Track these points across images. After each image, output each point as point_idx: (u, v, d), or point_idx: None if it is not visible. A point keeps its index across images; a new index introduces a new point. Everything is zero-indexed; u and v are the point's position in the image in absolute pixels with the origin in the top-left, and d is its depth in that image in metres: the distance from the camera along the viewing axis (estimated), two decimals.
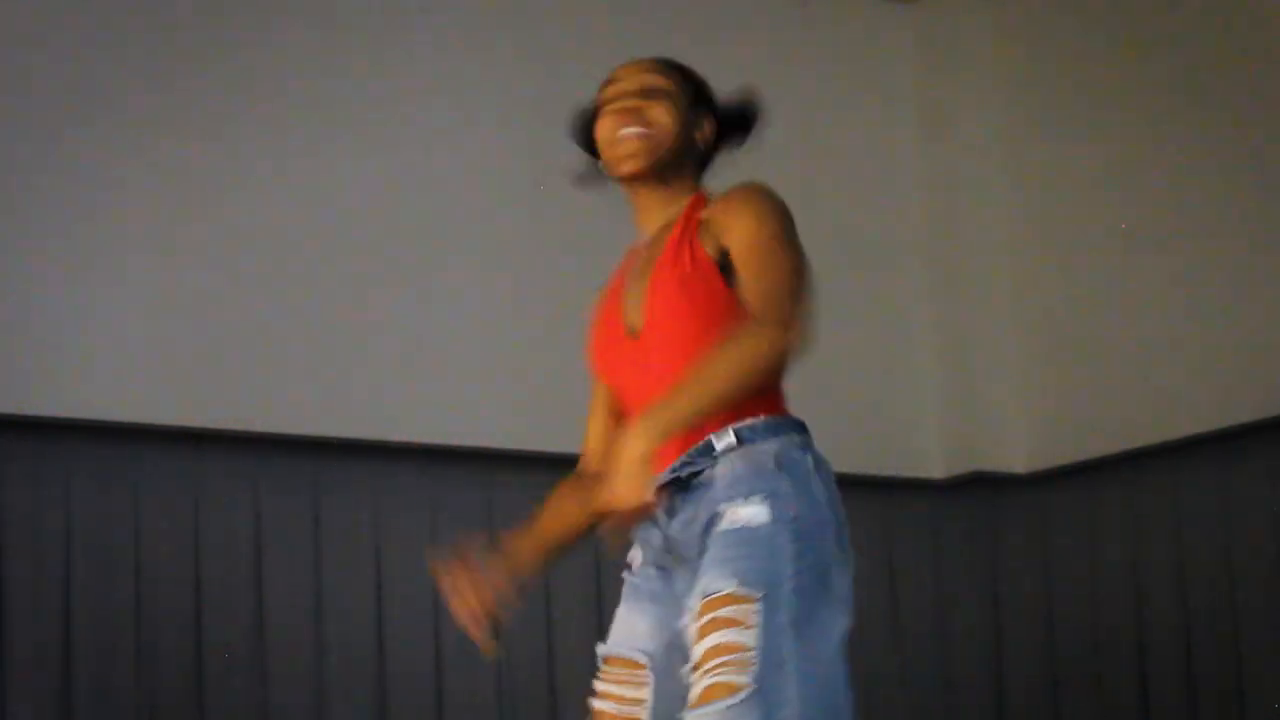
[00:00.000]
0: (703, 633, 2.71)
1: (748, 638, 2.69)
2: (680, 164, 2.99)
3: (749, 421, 2.82)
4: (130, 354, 5.63)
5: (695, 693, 2.70)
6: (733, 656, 2.68)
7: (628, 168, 2.96)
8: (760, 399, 2.84)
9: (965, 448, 6.90)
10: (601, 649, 2.96)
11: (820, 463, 2.87)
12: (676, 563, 2.86)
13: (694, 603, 2.75)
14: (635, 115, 2.96)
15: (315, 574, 5.85)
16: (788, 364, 2.81)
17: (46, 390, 5.52)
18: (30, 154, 5.57)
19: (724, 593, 2.71)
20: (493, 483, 6.06)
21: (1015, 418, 6.87)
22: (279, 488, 5.84)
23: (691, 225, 2.92)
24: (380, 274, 6.00)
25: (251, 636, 5.73)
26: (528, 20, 6.36)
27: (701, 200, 2.97)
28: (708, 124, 3.01)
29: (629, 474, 2.66)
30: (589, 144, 3.05)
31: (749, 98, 3.06)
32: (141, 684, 5.55)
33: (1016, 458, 6.86)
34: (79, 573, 5.53)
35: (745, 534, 2.76)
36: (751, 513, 2.77)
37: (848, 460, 6.68)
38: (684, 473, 2.82)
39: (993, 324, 6.93)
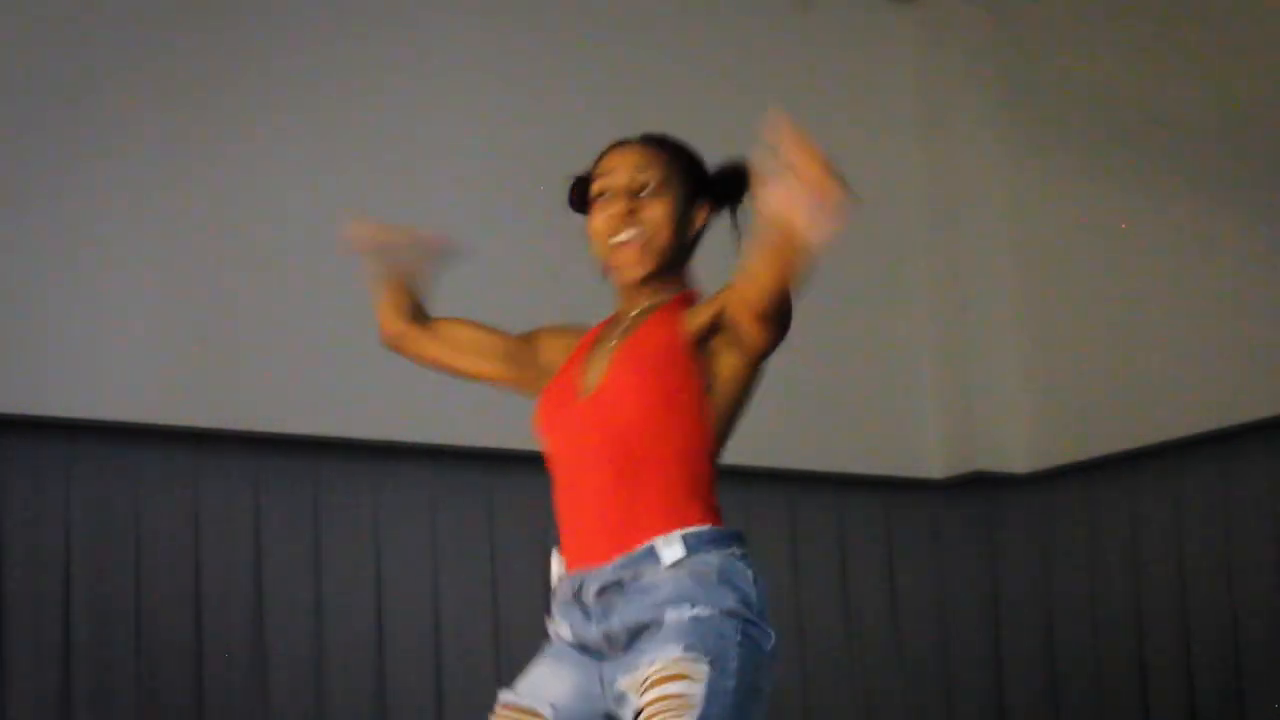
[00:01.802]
0: (650, 687, 2.74)
1: (693, 690, 2.72)
2: (677, 262, 2.99)
3: (694, 530, 2.83)
4: (131, 354, 5.62)
5: None
6: (675, 702, 2.72)
7: (630, 276, 2.97)
8: (703, 508, 2.86)
9: (965, 448, 6.90)
10: (506, 695, 2.94)
11: (757, 575, 2.86)
12: (608, 651, 2.86)
13: (641, 672, 2.77)
14: (629, 219, 2.96)
15: (315, 574, 5.85)
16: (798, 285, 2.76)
17: (46, 390, 5.52)
18: (30, 153, 5.57)
19: (674, 657, 2.74)
20: (493, 483, 6.06)
21: (1015, 418, 6.87)
22: (279, 488, 5.84)
23: (673, 314, 2.93)
24: None
25: (251, 636, 5.73)
26: (528, 25, 6.36)
27: (690, 299, 2.98)
28: (701, 214, 3.00)
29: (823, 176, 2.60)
30: (584, 209, 3.05)
31: (737, 167, 3.02)
32: (141, 684, 5.55)
33: (1016, 458, 6.86)
34: (79, 573, 5.53)
35: (693, 622, 2.77)
36: (700, 610, 2.78)
37: (848, 460, 6.78)
38: (625, 575, 2.82)
39: (993, 324, 6.93)
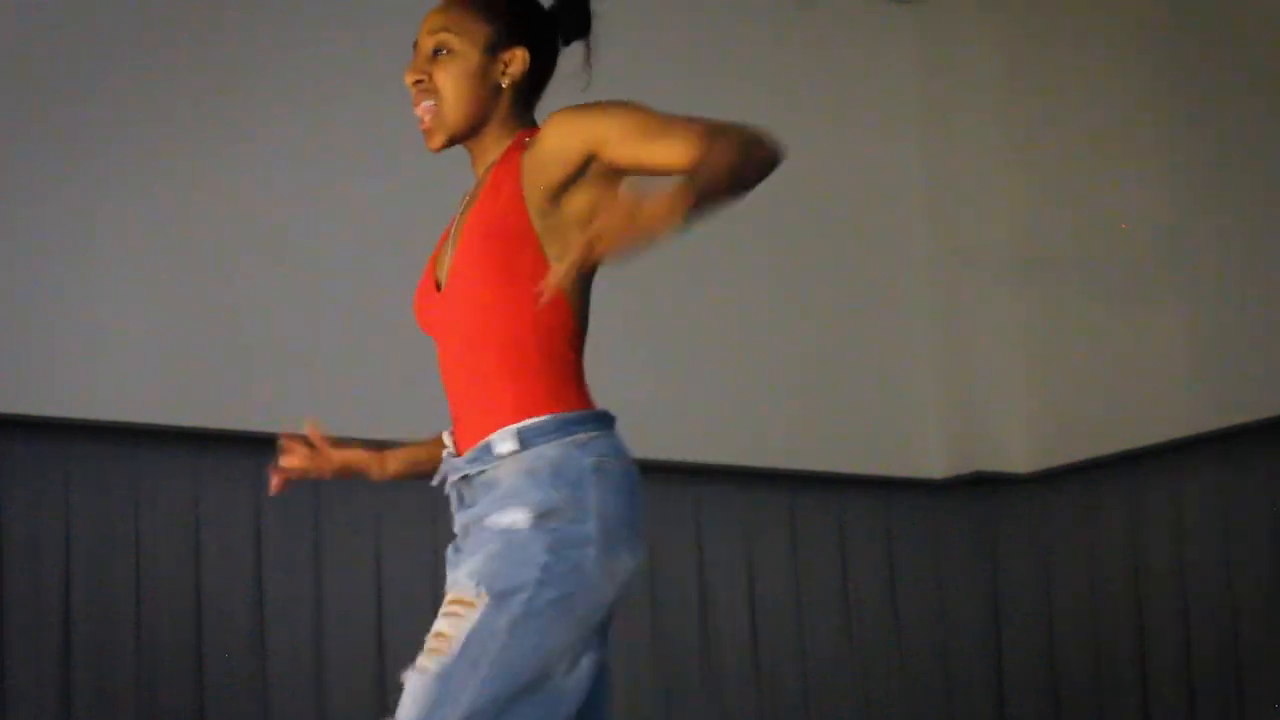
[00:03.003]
0: (438, 619, 2.70)
1: (457, 628, 2.64)
2: (487, 116, 2.87)
3: (532, 422, 2.70)
4: (130, 354, 5.62)
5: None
6: (437, 642, 2.66)
7: (430, 145, 2.89)
8: (550, 395, 2.72)
9: (965, 448, 6.90)
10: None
11: (604, 465, 2.70)
12: (464, 543, 2.80)
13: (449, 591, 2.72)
14: (425, 89, 2.86)
15: (315, 575, 5.85)
16: (769, 168, 2.64)
17: (46, 390, 5.52)
18: (30, 153, 5.57)
19: (462, 590, 2.67)
20: None
21: (1015, 418, 6.87)
22: None
23: (508, 172, 2.79)
24: (380, 274, 6.00)
25: (251, 637, 5.73)
26: None
27: (521, 141, 2.83)
28: (514, 60, 2.88)
29: (667, 214, 2.43)
30: None
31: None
32: (141, 684, 5.55)
33: (1016, 458, 6.86)
34: (79, 573, 5.53)
35: (501, 536, 2.67)
36: (515, 519, 2.66)
37: (848, 460, 6.78)
38: (473, 470, 2.74)
39: (992, 324, 6.93)
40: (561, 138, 2.75)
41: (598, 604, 2.67)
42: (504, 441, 2.71)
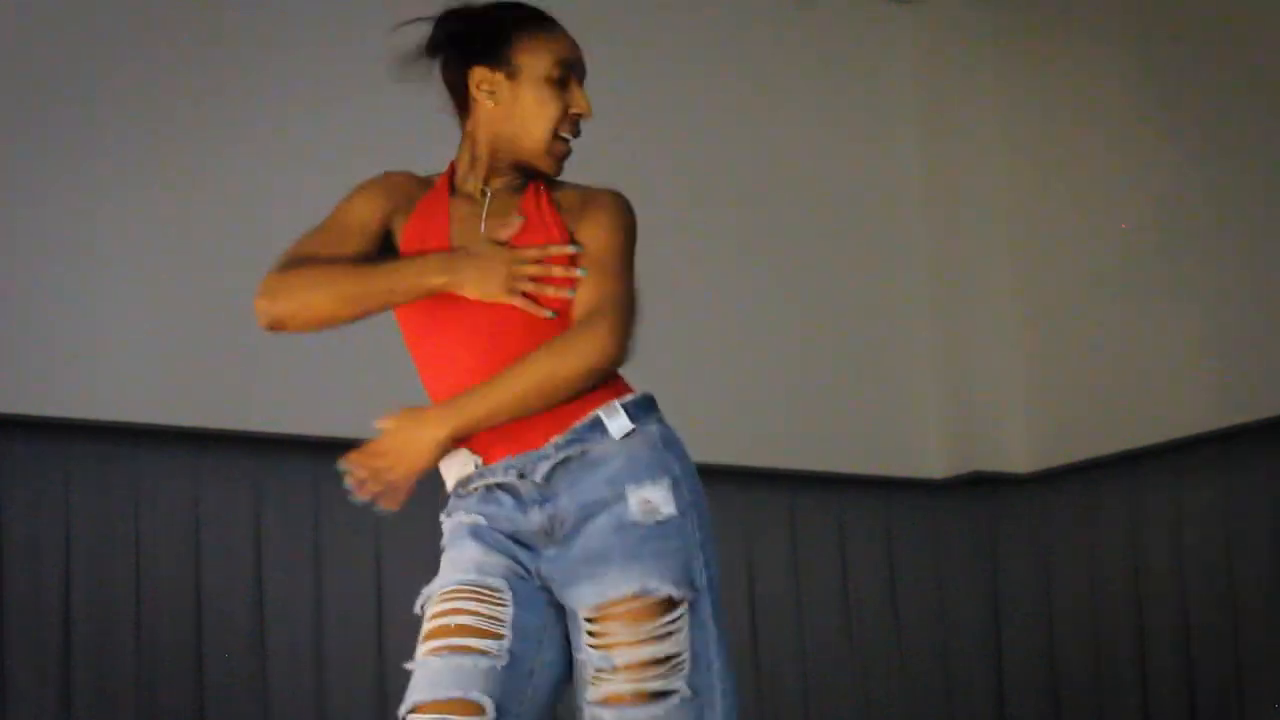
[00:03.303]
0: (634, 638, 2.68)
1: (678, 644, 2.67)
2: None
3: (630, 398, 2.78)
4: (131, 354, 5.63)
5: (623, 691, 2.67)
6: (666, 664, 2.66)
7: (553, 171, 2.90)
8: (621, 378, 2.81)
9: (965, 448, 6.90)
10: (445, 582, 3.02)
11: (679, 438, 2.84)
12: (547, 541, 2.79)
13: (615, 593, 2.69)
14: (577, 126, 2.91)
15: (315, 574, 5.85)
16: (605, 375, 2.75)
17: (46, 390, 5.52)
18: (30, 153, 5.57)
19: (656, 595, 2.68)
20: None
21: (1015, 418, 6.87)
22: (279, 488, 5.84)
23: (549, 205, 2.87)
24: None
25: (251, 637, 5.73)
26: None
27: (544, 188, 2.91)
28: None
29: (417, 452, 2.80)
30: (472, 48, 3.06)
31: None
32: (141, 684, 5.55)
33: (1016, 458, 6.86)
34: (79, 573, 5.53)
35: (658, 530, 2.71)
36: (659, 499, 2.72)
37: (848, 460, 6.78)
38: (573, 452, 2.75)
39: (993, 324, 6.93)
40: (586, 213, 2.85)
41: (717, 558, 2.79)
42: (617, 418, 2.76)
